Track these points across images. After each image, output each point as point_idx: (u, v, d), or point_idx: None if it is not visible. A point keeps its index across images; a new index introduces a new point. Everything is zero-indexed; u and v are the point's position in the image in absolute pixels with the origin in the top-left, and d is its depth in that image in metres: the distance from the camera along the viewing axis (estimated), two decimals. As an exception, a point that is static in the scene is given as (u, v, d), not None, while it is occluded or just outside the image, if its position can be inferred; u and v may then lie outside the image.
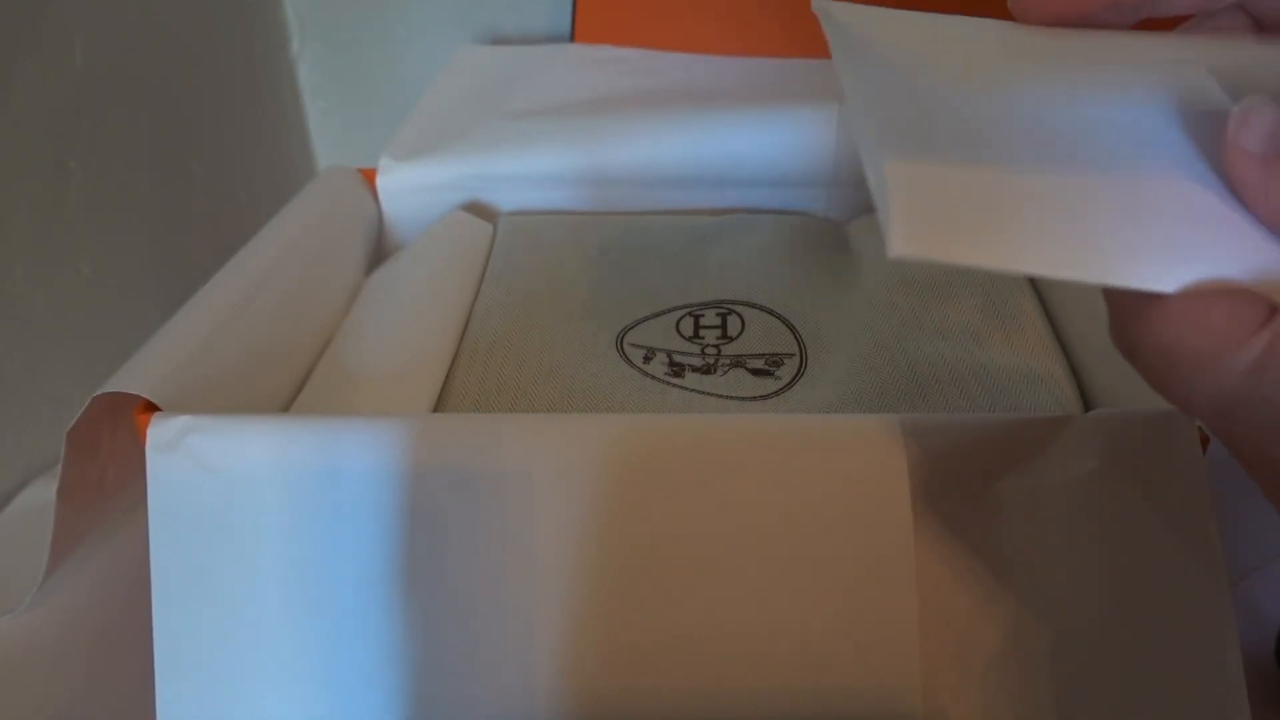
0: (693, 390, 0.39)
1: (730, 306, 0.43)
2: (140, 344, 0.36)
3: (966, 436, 0.31)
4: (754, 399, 0.38)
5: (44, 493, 0.43)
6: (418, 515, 0.31)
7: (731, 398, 0.38)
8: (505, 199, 0.52)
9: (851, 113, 0.25)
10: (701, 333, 0.42)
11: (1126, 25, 0.28)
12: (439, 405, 0.39)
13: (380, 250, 0.53)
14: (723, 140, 0.50)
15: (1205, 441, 0.30)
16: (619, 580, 0.30)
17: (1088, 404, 0.37)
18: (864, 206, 0.51)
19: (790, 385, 0.39)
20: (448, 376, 0.40)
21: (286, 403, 0.39)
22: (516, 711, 0.31)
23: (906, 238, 0.20)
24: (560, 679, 0.31)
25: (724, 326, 0.42)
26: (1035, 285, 0.44)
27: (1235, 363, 0.21)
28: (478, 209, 0.52)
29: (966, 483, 0.31)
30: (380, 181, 0.52)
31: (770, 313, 0.43)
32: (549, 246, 0.48)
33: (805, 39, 0.62)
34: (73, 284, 0.48)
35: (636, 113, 0.53)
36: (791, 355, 0.40)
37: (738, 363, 0.40)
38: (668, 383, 0.39)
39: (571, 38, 0.66)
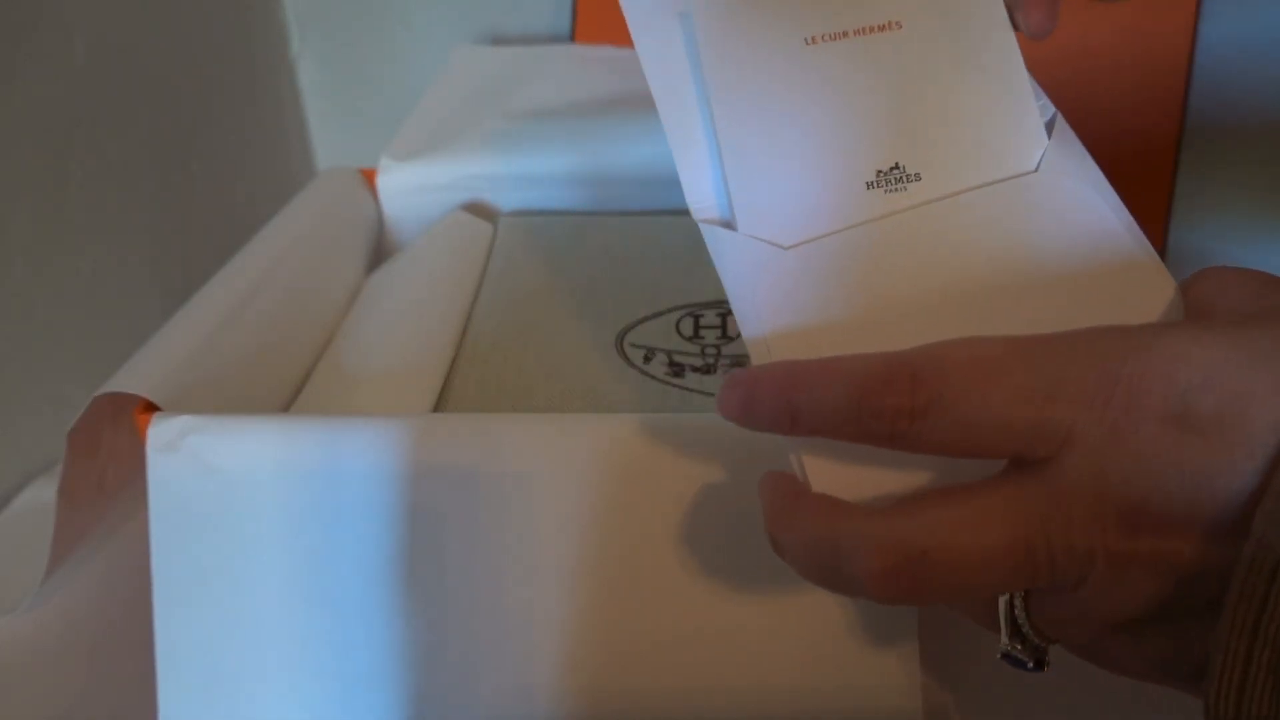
0: (693, 390, 0.39)
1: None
2: (141, 344, 0.36)
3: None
4: (754, 399, 0.38)
5: (44, 493, 0.43)
6: (418, 515, 0.31)
7: (731, 398, 0.38)
8: (505, 199, 0.52)
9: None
10: (701, 333, 0.42)
11: None
12: (439, 405, 0.39)
13: (380, 250, 0.53)
14: (722, 140, 0.50)
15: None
16: (619, 580, 0.30)
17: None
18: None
19: (790, 385, 0.39)
20: (448, 377, 0.40)
21: (286, 403, 0.39)
22: (516, 710, 0.31)
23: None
24: (560, 678, 0.31)
25: (724, 326, 0.42)
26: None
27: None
28: (478, 209, 0.52)
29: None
30: (380, 181, 0.52)
31: (770, 313, 0.43)
32: (549, 246, 0.48)
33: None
34: (73, 284, 0.48)
35: (636, 113, 0.53)
36: (791, 355, 0.40)
37: (738, 363, 0.40)
38: (668, 383, 0.39)
39: (571, 38, 0.66)
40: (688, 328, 0.42)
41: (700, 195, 0.30)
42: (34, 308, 0.45)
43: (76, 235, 0.48)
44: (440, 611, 0.31)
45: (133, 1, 0.54)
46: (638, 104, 0.55)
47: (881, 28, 0.29)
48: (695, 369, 0.40)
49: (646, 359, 0.41)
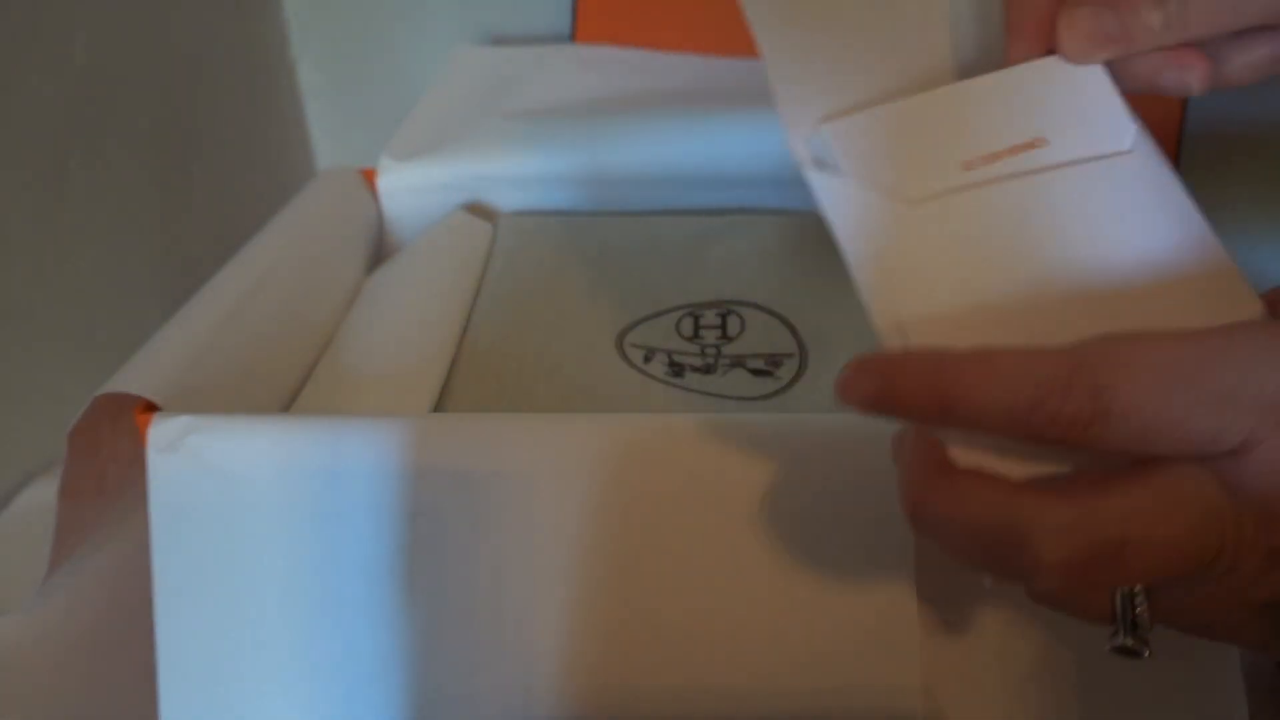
0: (693, 390, 0.39)
1: (730, 306, 0.43)
2: (141, 344, 0.36)
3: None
4: (754, 399, 0.38)
5: (44, 493, 0.43)
6: (418, 515, 0.31)
7: (731, 398, 0.38)
8: (505, 199, 0.52)
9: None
10: (701, 333, 0.42)
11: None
12: (439, 405, 0.39)
13: (380, 250, 0.53)
14: (723, 140, 0.50)
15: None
16: (618, 579, 0.30)
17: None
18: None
19: (790, 385, 0.39)
20: (448, 377, 0.40)
21: (286, 403, 0.39)
22: (516, 710, 0.31)
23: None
24: (560, 678, 0.31)
25: (724, 326, 0.42)
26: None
27: None
28: (478, 209, 0.52)
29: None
30: (380, 181, 0.52)
31: (770, 313, 0.43)
32: (549, 246, 0.48)
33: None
34: (73, 284, 0.48)
35: (636, 113, 0.53)
36: (791, 355, 0.40)
37: (738, 363, 0.40)
38: (668, 383, 0.39)
39: (571, 38, 0.66)
40: (688, 328, 0.42)
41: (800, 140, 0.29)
42: (34, 308, 0.45)
43: (76, 235, 0.48)
44: (440, 611, 0.31)
45: (133, 1, 0.54)
46: (638, 104, 0.55)
47: None
48: (695, 369, 0.40)
49: (646, 359, 0.41)
